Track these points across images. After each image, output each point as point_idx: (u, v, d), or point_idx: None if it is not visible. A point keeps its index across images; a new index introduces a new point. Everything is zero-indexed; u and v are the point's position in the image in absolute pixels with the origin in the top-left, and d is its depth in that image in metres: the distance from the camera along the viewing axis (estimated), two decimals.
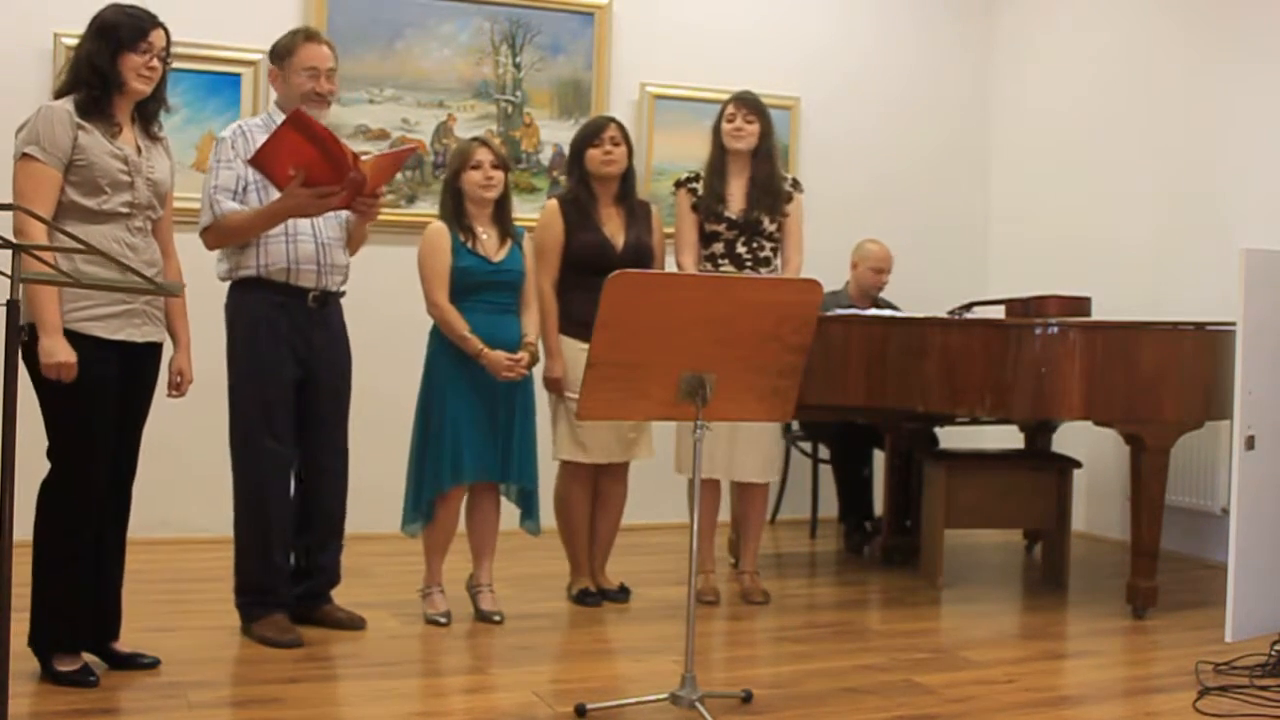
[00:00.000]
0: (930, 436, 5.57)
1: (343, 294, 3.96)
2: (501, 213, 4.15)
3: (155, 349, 3.43)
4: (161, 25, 3.32)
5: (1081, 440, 5.41)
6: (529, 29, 5.76)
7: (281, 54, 3.85)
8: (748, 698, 3.31)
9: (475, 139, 4.21)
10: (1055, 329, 4.28)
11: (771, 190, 4.49)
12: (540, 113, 5.81)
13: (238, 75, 5.29)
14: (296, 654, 3.66)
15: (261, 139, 3.64)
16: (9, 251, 2.46)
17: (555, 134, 5.78)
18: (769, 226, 4.50)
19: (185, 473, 4.86)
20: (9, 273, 2.46)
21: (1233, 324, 4.05)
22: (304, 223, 3.78)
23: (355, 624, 3.97)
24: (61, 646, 3.29)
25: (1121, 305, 5.09)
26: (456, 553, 4.19)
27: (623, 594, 4.50)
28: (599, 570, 4.55)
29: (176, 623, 3.95)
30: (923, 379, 4.45)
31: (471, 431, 4.01)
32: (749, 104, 4.50)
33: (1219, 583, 4.13)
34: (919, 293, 5.77)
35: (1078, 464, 5.03)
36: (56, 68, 4.66)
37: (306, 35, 3.89)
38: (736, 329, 3.11)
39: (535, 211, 4.73)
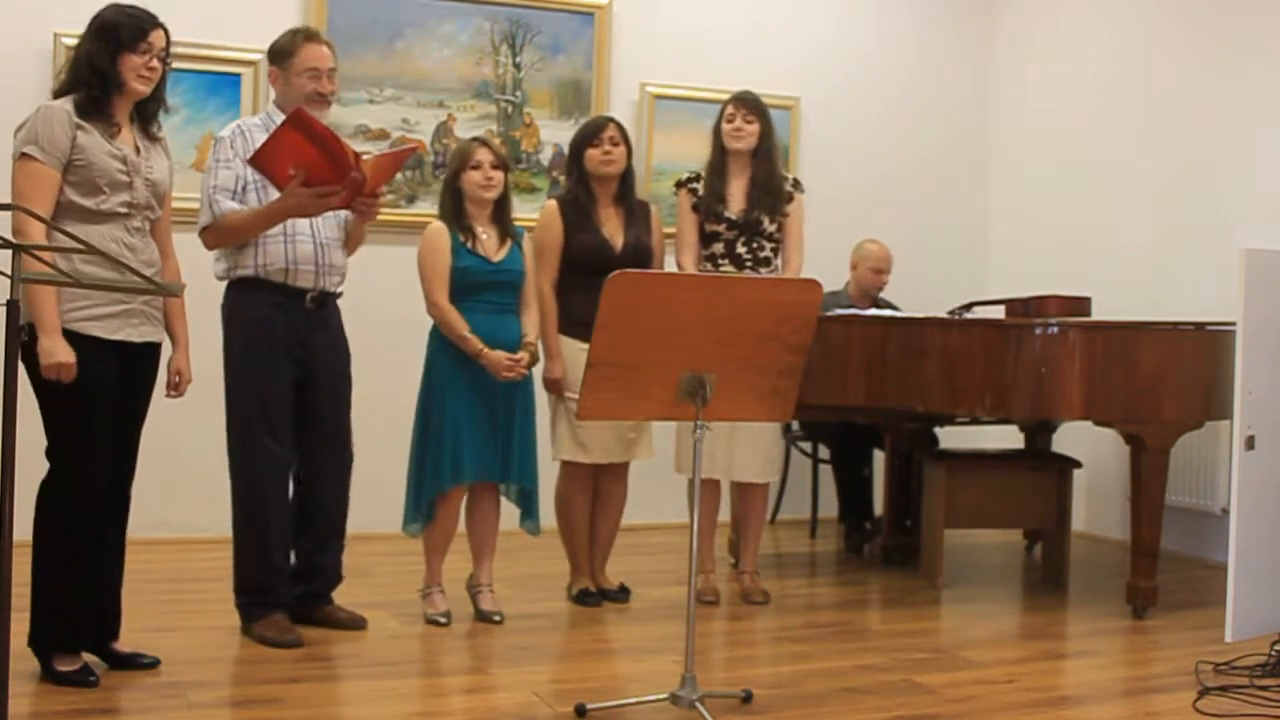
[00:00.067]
0: (930, 436, 5.57)
1: (339, 295, 3.95)
2: (501, 213, 4.15)
3: (154, 349, 3.43)
4: (161, 25, 3.32)
5: (1081, 440, 5.41)
6: (529, 29, 5.76)
7: (281, 55, 3.84)
8: (748, 698, 3.31)
9: (475, 139, 4.21)
10: (1055, 329, 4.28)
11: (772, 190, 4.49)
12: (540, 113, 5.81)
13: (238, 75, 5.29)
14: (296, 654, 3.66)
15: (260, 139, 3.64)
16: (9, 251, 2.46)
17: (555, 134, 5.78)
18: (769, 227, 4.50)
19: (184, 473, 4.86)
20: (9, 273, 2.46)
21: (1233, 324, 4.05)
22: (302, 223, 3.78)
23: (356, 624, 3.97)
24: (61, 646, 3.29)
25: (1121, 305, 5.09)
26: (456, 553, 4.19)
27: (623, 594, 4.50)
28: (599, 570, 4.55)
29: (176, 623, 3.95)
30: (923, 379, 4.45)
31: (471, 431, 4.01)
32: (749, 104, 4.50)
33: (1219, 583, 4.13)
34: (919, 293, 5.77)
35: (1078, 464, 5.03)
36: (56, 68, 4.66)
37: (306, 36, 3.88)
38: (736, 329, 3.11)
39: (535, 211, 4.73)
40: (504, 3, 5.71)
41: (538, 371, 4.22)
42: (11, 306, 2.49)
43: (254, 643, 3.74)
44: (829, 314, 4.74)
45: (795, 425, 5.86)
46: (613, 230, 4.41)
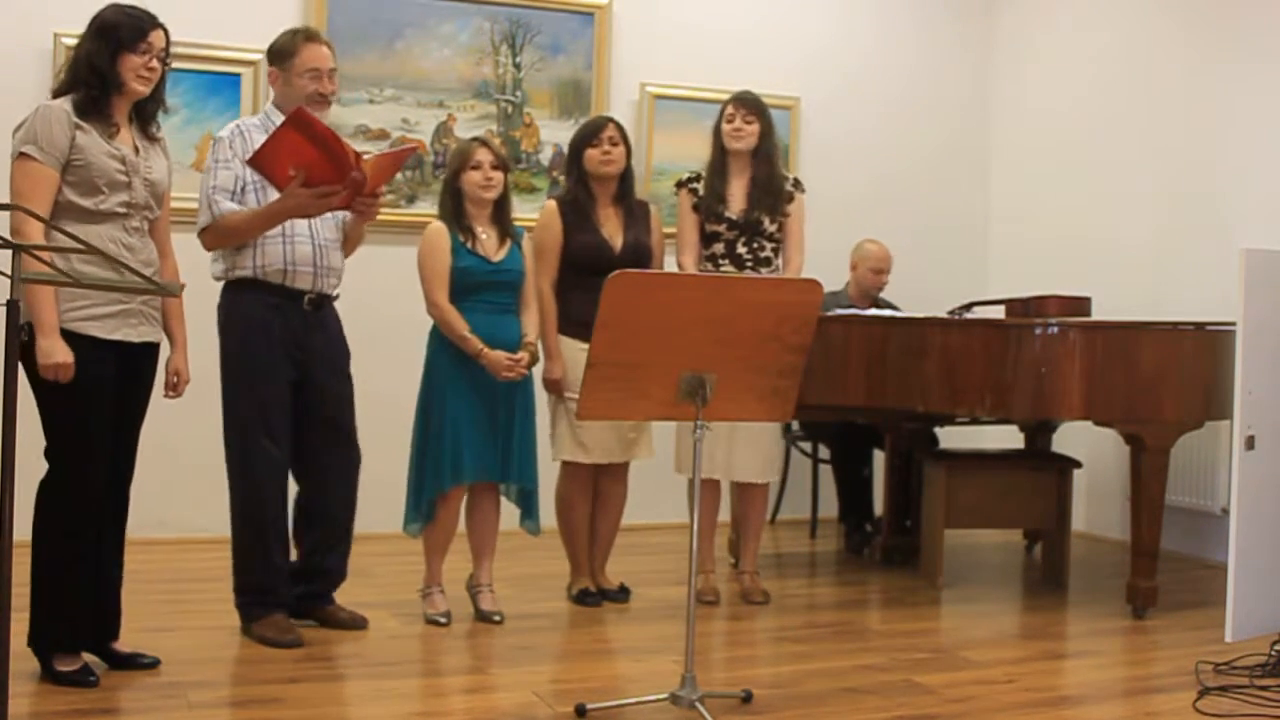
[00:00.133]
0: (930, 436, 5.57)
1: (336, 297, 3.95)
2: (501, 213, 4.15)
3: (152, 349, 3.43)
4: (161, 26, 3.32)
5: (1081, 440, 5.41)
6: (529, 29, 5.76)
7: (281, 55, 3.83)
8: (748, 698, 3.31)
9: (475, 139, 4.21)
10: (1055, 329, 4.28)
11: (772, 190, 4.49)
12: (540, 113, 5.81)
13: (238, 75, 5.28)
14: (296, 654, 3.66)
15: (259, 139, 3.64)
16: (8, 251, 2.46)
17: (555, 134, 5.78)
18: (769, 227, 4.50)
19: (183, 473, 4.86)
20: (8, 273, 2.46)
21: (1233, 324, 4.05)
22: (301, 224, 3.77)
23: (358, 624, 3.96)
24: (61, 646, 3.29)
25: (1121, 305, 5.09)
26: (456, 553, 4.19)
27: (623, 594, 4.50)
28: (599, 570, 4.55)
29: (176, 623, 3.95)
30: (923, 379, 4.44)
31: (471, 431, 4.01)
32: (748, 104, 4.50)
33: (1219, 583, 4.13)
34: (919, 293, 5.77)
35: (1078, 464, 5.03)
36: (56, 68, 4.65)
37: (306, 36, 3.87)
38: (737, 329, 3.11)
39: (535, 211, 4.73)
40: (504, 3, 5.71)
41: (538, 371, 4.22)
42: (11, 306, 2.49)
43: (254, 643, 3.74)
44: (829, 314, 4.74)
45: (795, 425, 5.86)
46: (612, 230, 4.41)
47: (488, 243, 4.10)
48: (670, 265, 4.72)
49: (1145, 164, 5.75)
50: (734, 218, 4.49)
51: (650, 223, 4.50)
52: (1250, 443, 4.00)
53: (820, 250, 4.95)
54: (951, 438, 5.63)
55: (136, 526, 3.57)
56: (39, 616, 3.26)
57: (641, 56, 5.91)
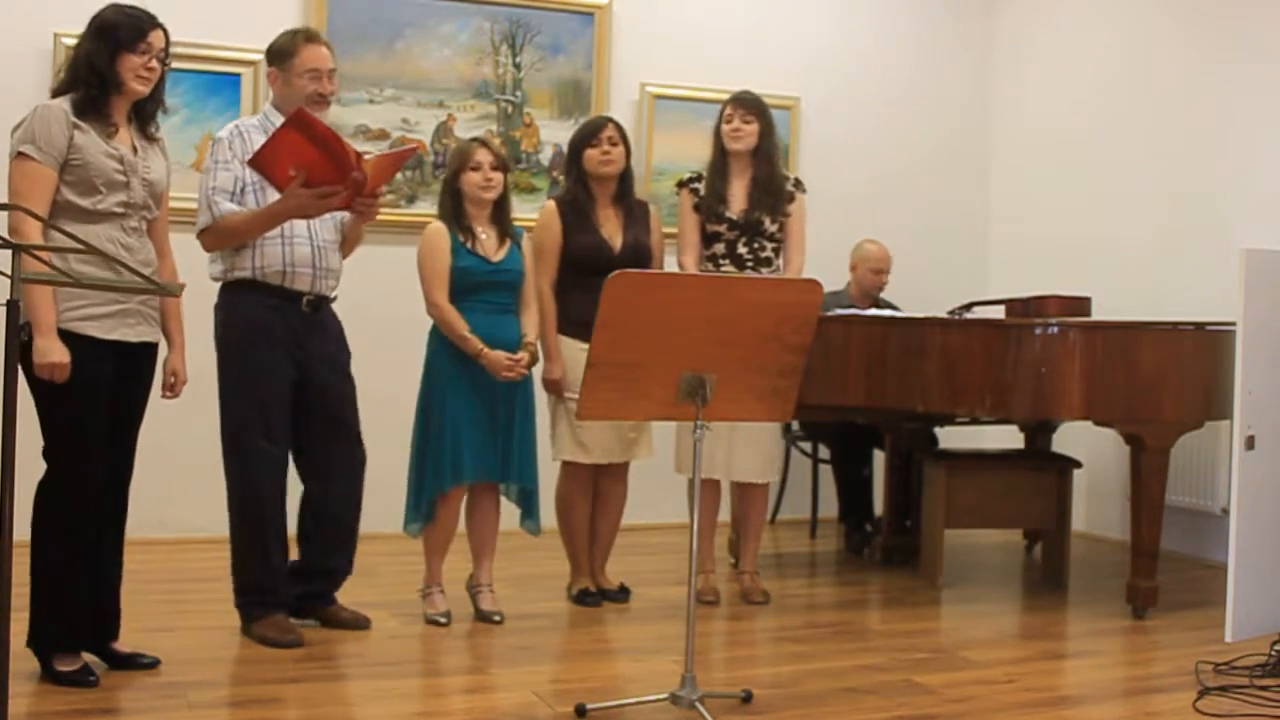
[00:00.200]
0: (930, 436, 5.57)
1: (334, 299, 3.94)
2: (501, 213, 4.15)
3: (150, 349, 3.43)
4: (161, 26, 3.31)
5: (1081, 440, 5.41)
6: (529, 29, 5.76)
7: (281, 55, 3.82)
8: (748, 698, 3.31)
9: (475, 139, 4.21)
10: (1055, 329, 4.28)
11: (772, 190, 4.49)
12: (540, 113, 5.81)
13: (237, 75, 5.28)
14: (296, 654, 3.66)
15: (259, 140, 3.63)
16: (8, 251, 2.46)
17: (555, 134, 5.78)
18: (770, 227, 4.50)
19: (182, 473, 4.85)
20: (8, 273, 2.46)
21: (1233, 324, 4.05)
22: (300, 225, 3.77)
23: (360, 624, 3.96)
24: (61, 646, 3.29)
25: (1121, 305, 5.09)
26: (456, 553, 4.19)
27: (623, 594, 4.50)
28: (599, 570, 4.55)
29: (176, 623, 3.95)
30: (923, 379, 4.44)
31: (471, 431, 4.01)
32: (747, 104, 4.50)
33: (1219, 583, 4.13)
34: (919, 293, 5.77)
35: (1078, 464, 5.03)
36: (56, 67, 4.66)
37: (306, 36, 3.86)
38: (737, 329, 3.11)
39: (535, 211, 4.73)
40: (504, 3, 5.70)
41: (537, 371, 4.22)
42: (11, 306, 2.49)
43: (254, 643, 3.74)
44: (829, 314, 4.74)
45: (795, 425, 5.86)
46: (612, 230, 4.41)
47: (487, 243, 4.10)
48: (670, 265, 4.72)
49: (1145, 164, 5.75)
50: (735, 218, 4.49)
51: (650, 223, 4.50)
52: (1250, 443, 4.00)
53: (820, 250, 4.94)
54: (951, 438, 5.63)
55: (136, 526, 3.57)
56: (38, 616, 3.26)
57: (641, 56, 5.91)
